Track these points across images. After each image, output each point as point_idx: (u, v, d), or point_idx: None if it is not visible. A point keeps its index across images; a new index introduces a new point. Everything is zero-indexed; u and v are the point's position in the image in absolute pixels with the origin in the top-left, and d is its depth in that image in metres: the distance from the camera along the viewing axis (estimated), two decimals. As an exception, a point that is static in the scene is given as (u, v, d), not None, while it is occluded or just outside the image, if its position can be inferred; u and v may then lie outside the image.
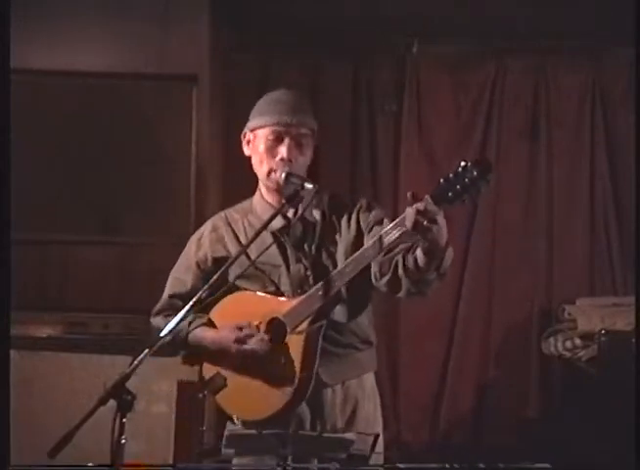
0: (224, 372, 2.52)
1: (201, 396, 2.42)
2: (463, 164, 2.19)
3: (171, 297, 2.69)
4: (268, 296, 2.54)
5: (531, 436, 4.85)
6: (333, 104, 5.13)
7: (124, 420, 2.00)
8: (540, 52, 5.23)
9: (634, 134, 4.39)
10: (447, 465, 2.32)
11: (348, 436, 2.48)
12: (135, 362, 2.08)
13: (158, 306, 2.71)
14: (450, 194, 2.20)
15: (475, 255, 5.18)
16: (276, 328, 2.48)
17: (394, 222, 2.33)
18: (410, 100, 5.23)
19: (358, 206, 2.61)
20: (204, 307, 2.55)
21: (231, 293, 2.58)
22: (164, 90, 4.56)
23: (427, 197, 2.22)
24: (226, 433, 2.38)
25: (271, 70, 5.15)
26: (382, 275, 2.47)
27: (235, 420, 2.58)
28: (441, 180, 2.22)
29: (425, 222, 2.21)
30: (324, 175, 4.82)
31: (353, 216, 2.59)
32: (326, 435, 2.45)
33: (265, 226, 2.46)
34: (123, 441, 2.00)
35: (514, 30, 4.97)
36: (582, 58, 5.24)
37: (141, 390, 2.10)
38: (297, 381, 2.44)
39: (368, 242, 2.41)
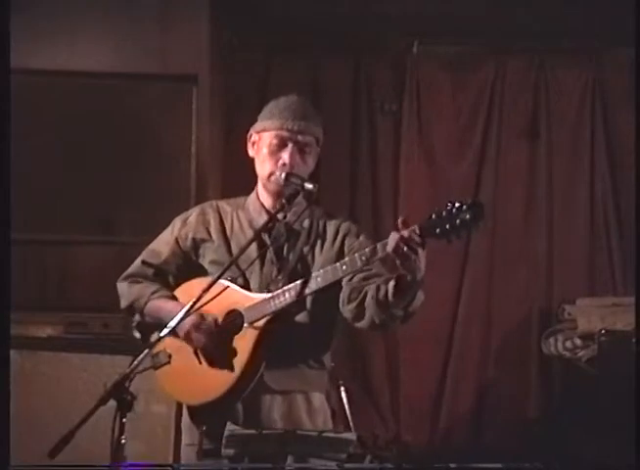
0: (169, 349, 2.47)
1: (142, 369, 2.38)
2: (458, 204, 2.18)
3: (143, 263, 2.68)
4: (233, 287, 2.53)
5: (531, 436, 4.84)
6: (333, 104, 5.13)
7: (124, 420, 2.00)
8: (540, 52, 5.23)
9: (634, 134, 4.40)
10: (447, 465, 2.32)
11: (348, 436, 2.48)
12: (135, 362, 2.08)
13: (128, 271, 2.70)
14: (438, 230, 2.20)
15: (474, 255, 5.19)
16: (232, 318, 2.49)
17: (375, 245, 2.34)
18: (410, 100, 5.23)
19: (346, 229, 2.61)
20: (168, 284, 2.62)
21: (199, 276, 2.59)
22: (164, 90, 4.56)
23: (415, 227, 2.24)
24: (226, 433, 2.38)
25: (271, 70, 5.16)
26: (349, 301, 2.48)
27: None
28: (433, 215, 2.21)
29: (405, 249, 2.23)
30: (324, 175, 4.82)
31: (339, 237, 2.59)
32: (326, 435, 2.44)
33: (267, 224, 2.48)
34: (123, 441, 2.00)
35: (514, 30, 4.97)
36: (582, 58, 5.25)
37: (141, 390, 2.10)
38: (240, 372, 2.44)
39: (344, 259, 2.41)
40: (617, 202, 5.20)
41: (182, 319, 2.28)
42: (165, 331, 2.24)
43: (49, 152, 4.46)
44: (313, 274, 2.44)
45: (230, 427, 2.47)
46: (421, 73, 5.25)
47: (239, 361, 2.46)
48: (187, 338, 2.49)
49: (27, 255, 4.33)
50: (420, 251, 2.26)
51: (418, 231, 2.23)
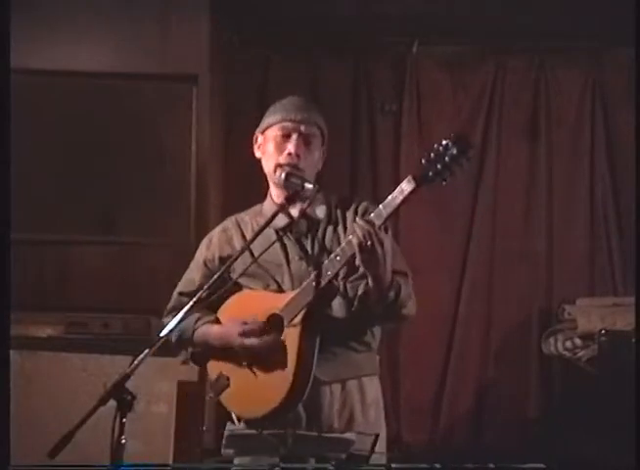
0: (226, 372, 2.52)
1: (208, 398, 2.42)
2: (444, 142, 2.23)
3: (180, 294, 2.70)
4: (269, 293, 2.55)
5: (531, 436, 4.84)
6: (333, 104, 5.12)
7: (124, 420, 2.00)
8: (540, 52, 5.23)
9: (634, 134, 4.39)
10: (447, 465, 2.32)
11: (348, 436, 2.48)
12: (135, 362, 2.08)
13: (169, 305, 2.73)
14: (431, 173, 2.25)
15: (475, 254, 5.18)
16: (275, 323, 2.48)
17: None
18: (410, 100, 5.23)
19: (362, 208, 2.63)
20: (210, 307, 2.57)
21: (236, 292, 2.59)
22: (164, 90, 4.56)
23: (371, 215, 2.32)
24: (226, 433, 2.38)
25: (271, 70, 5.16)
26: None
27: (235, 420, 2.57)
28: (423, 160, 2.26)
29: (369, 243, 2.28)
30: (324, 175, 4.82)
31: (357, 218, 2.59)
32: (326, 435, 2.44)
33: (267, 224, 2.47)
34: (123, 441, 2.00)
35: (514, 30, 4.97)
36: (582, 58, 5.24)
37: (141, 390, 2.10)
38: (292, 376, 2.42)
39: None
40: (618, 202, 5.19)
41: (182, 320, 2.26)
42: (165, 332, 2.23)
43: (49, 152, 4.46)
44: (331, 256, 2.43)
45: (230, 427, 2.47)
46: (421, 73, 5.24)
47: (290, 363, 2.44)
48: (242, 347, 2.48)
49: (27, 255, 4.32)
50: (386, 242, 2.32)
51: (413, 181, 2.29)
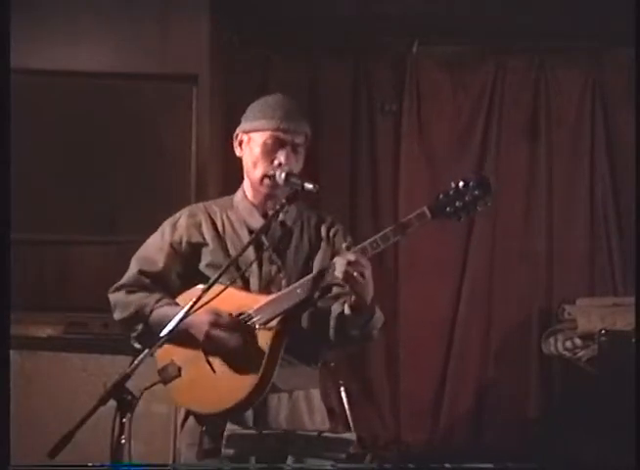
0: (179, 361, 2.44)
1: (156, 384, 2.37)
2: (465, 181, 2.24)
3: (140, 273, 2.62)
4: (240, 290, 2.52)
5: (531, 436, 4.85)
6: (333, 104, 5.13)
7: (124, 420, 2.00)
8: (540, 52, 5.23)
9: (634, 134, 4.39)
10: (447, 465, 2.32)
11: (348, 436, 2.48)
12: (135, 362, 2.08)
13: (122, 281, 2.64)
14: (448, 209, 2.27)
15: (475, 255, 5.19)
16: (244, 322, 2.46)
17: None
18: (410, 100, 5.23)
19: (335, 229, 2.63)
20: (168, 292, 2.56)
21: (198, 281, 2.55)
22: (164, 90, 4.56)
23: (358, 247, 2.32)
24: (226, 433, 2.37)
25: (271, 69, 5.16)
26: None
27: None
28: (441, 195, 2.27)
29: (354, 273, 2.28)
30: (324, 175, 4.83)
31: (331, 235, 2.61)
32: (326, 435, 2.44)
33: (270, 221, 2.47)
34: (123, 441, 2.00)
35: (514, 30, 4.97)
36: (582, 58, 5.25)
37: (141, 390, 2.10)
38: (258, 379, 2.41)
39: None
40: (617, 202, 5.20)
41: (181, 320, 2.25)
42: (166, 331, 2.21)
43: (49, 152, 4.46)
44: (320, 270, 2.43)
45: (230, 427, 2.47)
46: (421, 73, 5.25)
47: (255, 365, 2.41)
48: (208, 337, 2.44)
49: (27, 255, 4.32)
50: (367, 273, 2.30)
51: (428, 212, 2.28)
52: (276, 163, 2.54)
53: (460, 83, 5.28)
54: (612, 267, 5.19)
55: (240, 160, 2.66)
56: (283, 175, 2.52)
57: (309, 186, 2.48)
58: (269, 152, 2.55)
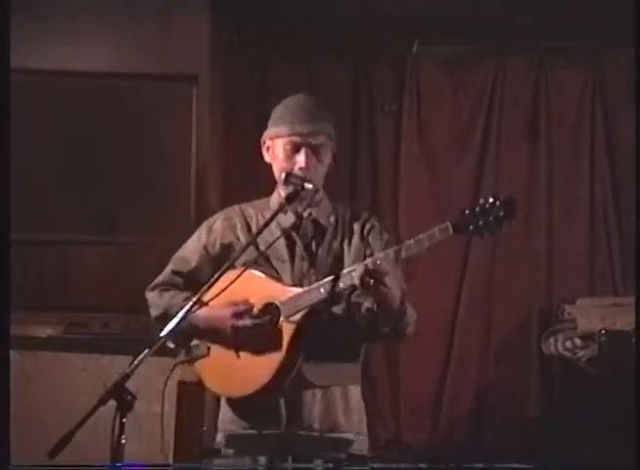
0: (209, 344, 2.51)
1: (180, 363, 2.41)
2: (491, 200, 2.23)
3: (174, 273, 2.69)
4: (271, 279, 2.55)
5: (531, 436, 4.84)
6: (333, 104, 5.10)
7: (124, 420, 2.00)
8: (540, 52, 5.23)
9: (634, 134, 4.39)
10: (447, 465, 2.32)
11: (348, 436, 2.48)
12: (135, 362, 2.08)
13: (157, 280, 2.70)
14: (472, 227, 2.25)
15: (475, 255, 5.18)
16: (270, 313, 2.49)
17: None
18: (410, 100, 5.23)
19: (370, 226, 2.65)
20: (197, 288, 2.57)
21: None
22: (164, 90, 4.56)
23: (381, 255, 2.32)
24: (226, 433, 2.37)
25: (271, 69, 5.16)
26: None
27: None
28: (466, 211, 2.25)
29: (371, 281, 2.29)
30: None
31: (365, 233, 2.63)
32: (326, 435, 2.45)
33: (271, 219, 2.48)
34: (123, 441, 2.00)
35: (514, 30, 4.97)
36: (582, 58, 5.24)
37: (141, 390, 2.10)
38: (276, 366, 2.44)
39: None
40: (618, 202, 5.19)
41: (191, 307, 2.24)
42: (175, 321, 2.21)
43: (49, 152, 4.46)
44: (348, 269, 2.43)
45: (230, 427, 2.47)
46: (421, 73, 5.24)
47: (275, 355, 2.45)
48: (234, 328, 2.48)
49: (27, 255, 4.32)
50: (387, 279, 2.31)
51: (451, 229, 2.27)
52: (297, 166, 2.55)
53: (460, 83, 5.28)
54: (612, 267, 5.18)
55: (270, 165, 2.67)
56: (283, 175, 2.53)
57: (309, 186, 2.50)
58: (290, 156, 2.58)
